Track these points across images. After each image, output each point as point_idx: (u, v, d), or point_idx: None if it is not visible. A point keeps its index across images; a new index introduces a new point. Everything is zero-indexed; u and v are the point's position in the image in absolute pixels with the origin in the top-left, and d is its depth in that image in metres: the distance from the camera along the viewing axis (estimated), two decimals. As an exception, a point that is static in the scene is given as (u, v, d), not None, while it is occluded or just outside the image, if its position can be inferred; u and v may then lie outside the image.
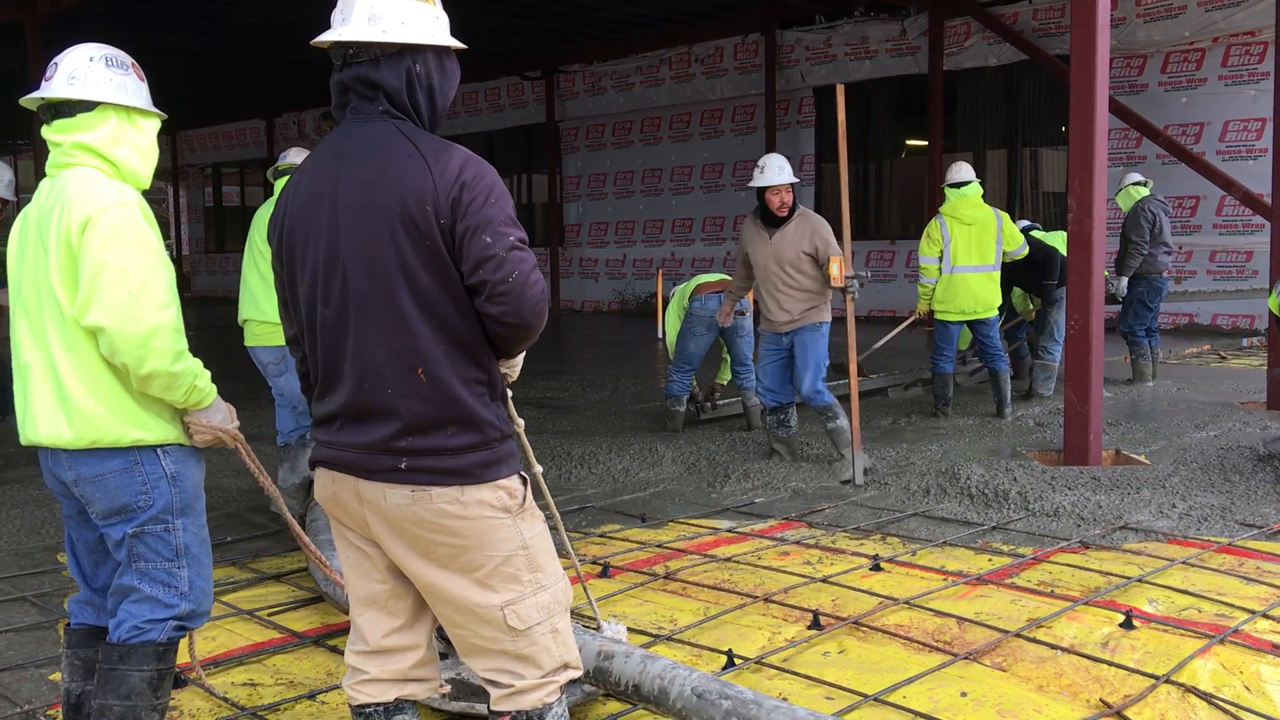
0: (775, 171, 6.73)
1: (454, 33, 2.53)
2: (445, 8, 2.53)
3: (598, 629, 3.45)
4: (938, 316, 8.27)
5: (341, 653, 3.56)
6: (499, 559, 2.41)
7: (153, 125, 2.99)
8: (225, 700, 3.49)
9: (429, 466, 2.35)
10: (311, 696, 3.52)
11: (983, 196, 8.36)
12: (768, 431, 7.04)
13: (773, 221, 6.75)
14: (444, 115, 2.52)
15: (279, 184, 5.35)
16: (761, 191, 6.75)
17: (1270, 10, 8.79)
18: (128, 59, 2.95)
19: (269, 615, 4.31)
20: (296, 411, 5.60)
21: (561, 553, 3.78)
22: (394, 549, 2.44)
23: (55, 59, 2.92)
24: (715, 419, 8.44)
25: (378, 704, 2.55)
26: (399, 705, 2.56)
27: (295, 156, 5.66)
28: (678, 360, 7.93)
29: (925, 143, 16.11)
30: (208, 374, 2.85)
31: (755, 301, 7.15)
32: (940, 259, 8.14)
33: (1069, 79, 6.39)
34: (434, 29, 2.44)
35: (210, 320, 16.99)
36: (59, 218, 2.76)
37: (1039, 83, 15.21)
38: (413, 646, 2.57)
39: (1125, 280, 9.54)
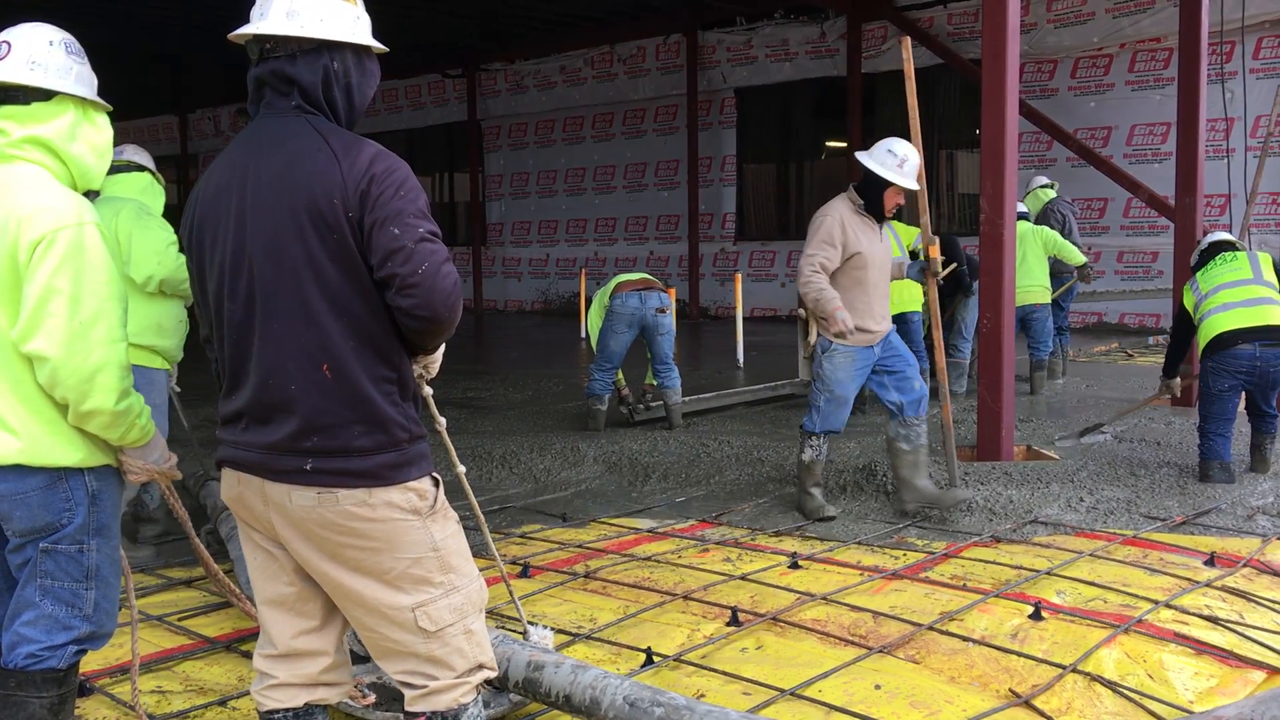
0: (915, 173, 5.58)
1: (375, 27, 2.52)
2: (366, 4, 2.52)
3: (524, 632, 3.43)
4: None
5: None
6: (409, 561, 2.39)
7: (106, 121, 2.78)
8: (132, 709, 3.40)
9: (335, 468, 2.31)
10: (222, 703, 3.45)
11: None
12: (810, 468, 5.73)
13: (880, 219, 5.62)
14: (361, 114, 2.50)
15: (108, 184, 4.89)
16: (884, 185, 5.49)
17: (1175, 17, 9.05)
18: (80, 46, 2.75)
19: (179, 620, 4.21)
20: None
21: (485, 554, 3.75)
22: (301, 551, 2.40)
23: (5, 35, 2.68)
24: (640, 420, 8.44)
25: (287, 709, 2.50)
26: (309, 710, 2.52)
27: (131, 154, 5.10)
28: (599, 359, 7.92)
29: (844, 144, 16.33)
30: (148, 410, 2.71)
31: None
32: None
33: (982, 82, 6.52)
34: (354, 28, 2.43)
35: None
36: (1, 226, 2.54)
37: (954, 86, 15.50)
38: (322, 651, 2.53)
39: None
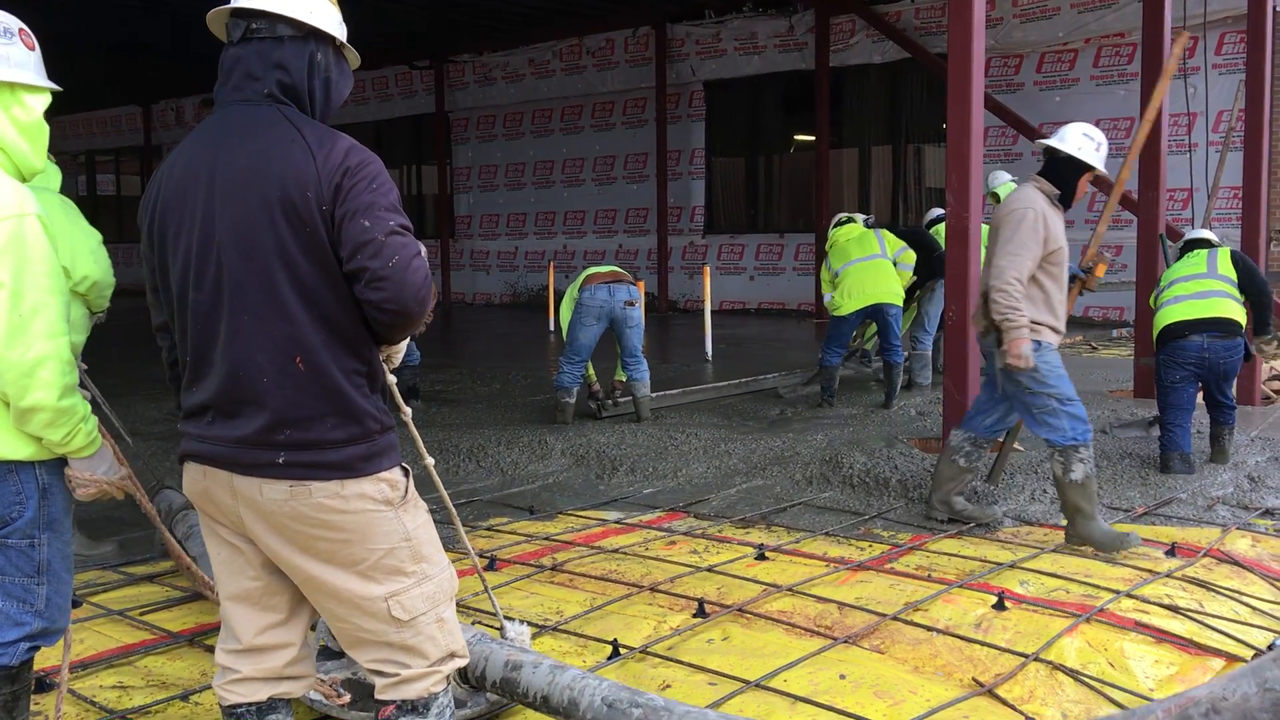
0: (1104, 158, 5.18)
1: (344, 16, 2.53)
2: None
3: (500, 628, 3.41)
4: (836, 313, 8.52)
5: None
6: (381, 551, 2.38)
7: (39, 100, 2.69)
8: (93, 704, 3.37)
9: (308, 461, 2.29)
10: (184, 697, 3.43)
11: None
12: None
13: (1068, 207, 5.17)
14: (334, 112, 2.49)
15: None
16: (1082, 169, 5.08)
17: (1139, 13, 9.13)
18: (15, 24, 2.66)
19: (140, 615, 4.17)
20: None
21: (455, 547, 3.72)
22: (271, 544, 2.38)
23: None
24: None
25: (250, 703, 2.48)
26: (272, 704, 2.50)
27: None
28: (568, 351, 7.91)
29: (813, 138, 16.38)
30: (95, 420, 2.66)
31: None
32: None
33: (947, 77, 6.55)
34: (339, 28, 2.46)
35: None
36: None
37: (921, 80, 15.57)
38: (287, 644, 2.51)
39: None
